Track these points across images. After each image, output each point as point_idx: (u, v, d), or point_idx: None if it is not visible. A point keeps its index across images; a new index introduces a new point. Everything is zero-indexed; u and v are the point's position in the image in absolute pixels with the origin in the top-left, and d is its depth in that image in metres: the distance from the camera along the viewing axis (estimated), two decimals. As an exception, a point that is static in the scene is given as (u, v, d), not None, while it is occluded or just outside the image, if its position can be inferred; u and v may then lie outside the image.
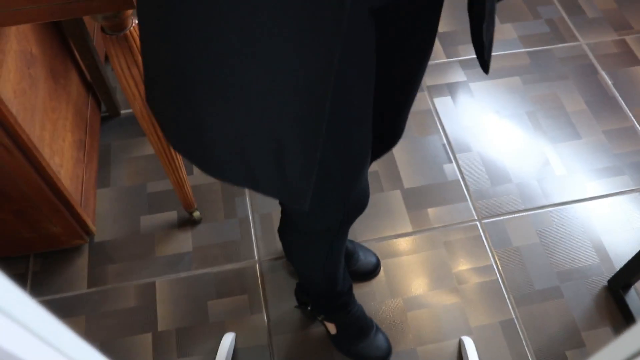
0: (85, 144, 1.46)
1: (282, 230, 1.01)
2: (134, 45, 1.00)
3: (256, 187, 0.65)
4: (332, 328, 1.28)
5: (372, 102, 0.69)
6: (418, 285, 1.39)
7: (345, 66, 0.60)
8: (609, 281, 1.39)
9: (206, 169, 0.67)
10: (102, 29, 0.96)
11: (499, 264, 1.43)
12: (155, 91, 0.64)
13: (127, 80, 1.04)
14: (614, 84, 1.81)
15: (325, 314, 1.25)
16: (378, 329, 1.31)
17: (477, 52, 0.69)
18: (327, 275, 1.07)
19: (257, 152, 0.59)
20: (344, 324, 1.26)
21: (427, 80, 1.79)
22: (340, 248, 0.99)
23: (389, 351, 1.30)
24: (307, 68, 0.49)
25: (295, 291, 1.32)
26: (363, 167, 0.75)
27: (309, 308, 1.28)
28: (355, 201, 0.82)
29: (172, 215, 1.50)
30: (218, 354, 1.25)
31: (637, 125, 1.71)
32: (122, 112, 1.70)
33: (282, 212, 0.97)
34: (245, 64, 0.50)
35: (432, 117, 1.70)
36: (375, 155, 1.02)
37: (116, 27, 0.96)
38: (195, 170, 1.58)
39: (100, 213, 1.50)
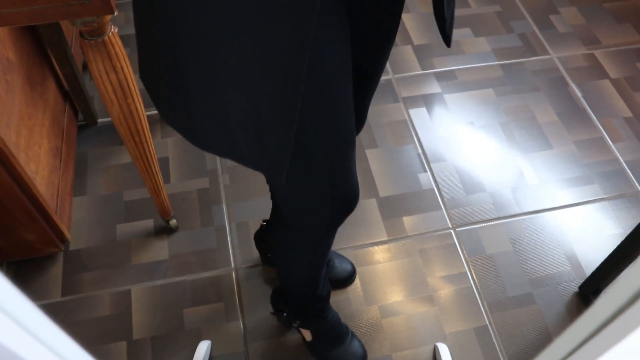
0: (61, 151, 1.46)
1: (270, 228, 1.04)
2: (113, 51, 1.01)
3: (238, 158, 0.68)
4: (307, 335, 1.28)
5: (351, 82, 0.70)
6: (393, 292, 1.41)
7: (321, 44, 0.62)
8: (580, 287, 1.42)
9: (192, 139, 0.70)
10: (81, 34, 0.97)
11: (473, 272, 1.45)
12: (147, 65, 0.67)
13: (105, 86, 1.04)
14: (583, 97, 1.86)
15: (302, 320, 1.24)
16: (353, 335, 1.31)
17: (439, 27, 0.73)
18: (310, 276, 1.08)
19: (239, 123, 0.62)
20: (320, 331, 1.26)
21: (403, 91, 1.82)
22: (326, 248, 1.00)
23: (364, 357, 1.30)
24: (283, 43, 0.52)
25: (271, 298, 1.31)
26: (347, 152, 0.76)
27: (285, 314, 1.26)
28: (343, 196, 0.83)
29: (148, 223, 1.50)
30: (194, 361, 1.24)
31: (606, 136, 1.76)
32: (100, 121, 1.69)
33: (273, 207, 1.01)
34: (227, 38, 0.54)
35: (407, 128, 1.72)
36: None
37: (95, 32, 0.97)
38: (172, 178, 1.58)
39: (76, 221, 1.49)
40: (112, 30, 0.99)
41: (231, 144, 0.66)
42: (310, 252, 0.99)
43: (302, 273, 1.07)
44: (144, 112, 1.13)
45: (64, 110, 1.54)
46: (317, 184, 0.78)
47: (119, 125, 1.13)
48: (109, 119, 1.69)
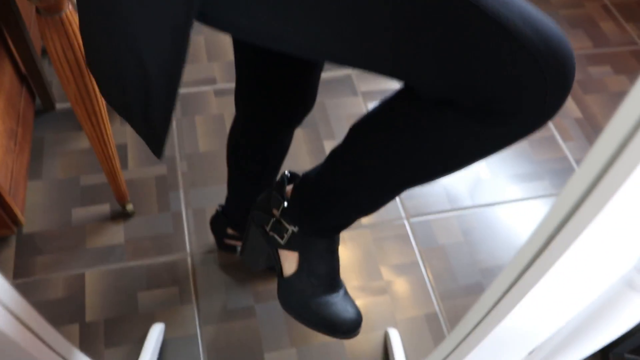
0: (16, 134, 1.45)
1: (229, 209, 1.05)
2: (70, 29, 1.01)
3: (129, 119, 0.71)
4: (291, 263, 0.96)
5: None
6: (347, 279, 1.43)
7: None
8: (527, 277, 1.47)
9: (101, 92, 0.73)
10: (37, 10, 0.97)
11: (425, 261, 1.49)
12: (81, 22, 0.69)
13: (62, 64, 1.05)
14: (536, 96, 1.92)
15: (306, 226, 0.92)
16: (347, 293, 1.01)
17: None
18: (412, 180, 0.77)
19: (130, 85, 0.64)
20: (315, 258, 0.94)
21: (362, 86, 1.85)
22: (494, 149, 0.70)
23: (358, 322, 0.99)
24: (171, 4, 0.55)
25: (260, 200, 1.00)
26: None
27: (285, 205, 0.93)
28: (546, 48, 0.59)
29: (104, 208, 1.49)
30: (146, 343, 1.25)
31: (557, 135, 1.82)
32: (58, 106, 1.68)
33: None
34: None
35: (365, 121, 1.76)
36: (297, 120, 1.05)
37: (51, 9, 0.97)
38: (130, 164, 1.58)
39: (30, 204, 1.48)
40: (69, 8, 0.99)
41: (125, 104, 0.69)
42: (474, 151, 0.68)
43: (417, 171, 0.74)
44: (101, 92, 1.14)
45: (20, 93, 1.53)
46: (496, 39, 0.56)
47: (76, 105, 1.13)
48: (67, 104, 1.68)
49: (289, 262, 0.96)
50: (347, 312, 0.96)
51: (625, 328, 0.42)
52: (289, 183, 0.95)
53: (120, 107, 0.70)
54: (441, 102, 0.63)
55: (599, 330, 0.43)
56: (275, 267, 0.99)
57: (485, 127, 0.62)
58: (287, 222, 0.93)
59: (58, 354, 0.50)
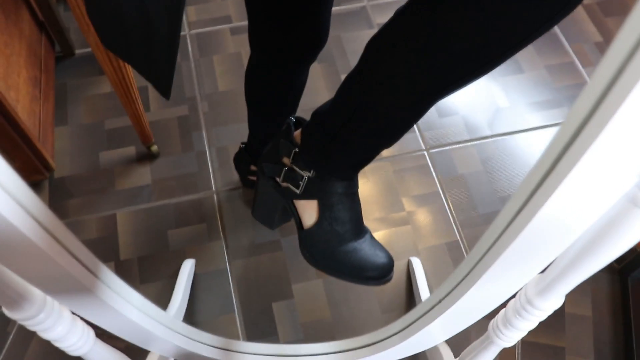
0: (40, 81, 1.47)
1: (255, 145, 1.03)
2: (85, -26, 1.02)
3: (133, 62, 0.72)
4: (310, 213, 0.92)
5: None
6: (370, 211, 1.47)
7: None
8: (546, 203, 1.49)
9: (102, 40, 0.74)
10: (52, -44, 0.98)
11: (445, 191, 1.51)
12: None
13: (81, 9, 1.06)
14: (556, 21, 1.89)
15: (321, 167, 0.87)
16: (373, 237, 0.96)
17: None
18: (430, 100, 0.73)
19: (132, 27, 0.65)
20: (336, 203, 0.89)
21: (377, 17, 1.84)
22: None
23: (391, 259, 0.93)
24: None
25: (268, 150, 0.96)
26: None
27: (296, 150, 0.88)
28: None
29: (130, 150, 1.53)
30: (179, 278, 1.31)
31: (577, 61, 1.80)
32: (77, 51, 1.70)
33: None
34: None
35: (382, 54, 1.75)
36: (311, 55, 1.03)
37: (66, -46, 0.97)
38: (152, 107, 1.61)
39: (59, 150, 1.53)
40: (84, -49, 1.00)
41: (128, 47, 0.70)
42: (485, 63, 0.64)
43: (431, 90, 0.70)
44: (120, 36, 1.15)
45: (40, 41, 1.55)
46: None
47: (97, 49, 1.15)
48: (86, 50, 1.70)
49: (309, 212, 0.92)
50: (377, 257, 0.90)
51: (631, 243, 0.45)
52: (296, 128, 0.91)
53: (123, 51, 0.71)
54: None
55: (605, 247, 0.46)
56: (293, 220, 0.94)
57: None
58: (300, 169, 0.88)
59: (90, 270, 0.54)
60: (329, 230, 0.90)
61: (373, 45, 0.72)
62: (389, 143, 0.81)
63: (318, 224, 0.90)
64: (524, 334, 0.68)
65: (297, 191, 0.89)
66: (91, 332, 0.71)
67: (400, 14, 0.68)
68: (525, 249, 0.47)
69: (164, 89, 0.69)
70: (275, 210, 1.04)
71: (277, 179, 0.93)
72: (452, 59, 0.64)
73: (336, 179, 0.86)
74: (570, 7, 0.60)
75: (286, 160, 0.90)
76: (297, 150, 0.87)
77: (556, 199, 0.39)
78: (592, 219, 0.43)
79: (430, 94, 0.70)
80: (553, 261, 0.53)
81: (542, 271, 0.56)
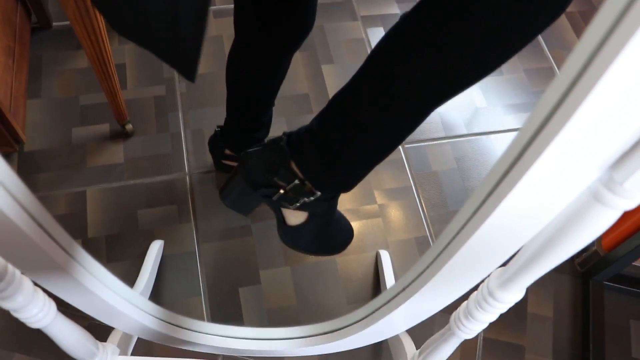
0: (14, 51, 1.45)
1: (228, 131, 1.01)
2: (66, -57, 1.00)
3: (152, 45, 0.68)
4: (297, 217, 0.97)
5: None
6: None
7: None
8: (516, 204, 1.51)
9: (114, 25, 0.69)
10: None
11: (417, 186, 1.53)
12: None
13: (59, -20, 1.04)
14: (537, 26, 1.91)
15: (327, 189, 0.89)
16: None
17: None
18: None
19: (153, 11, 0.62)
20: (326, 211, 0.96)
21: (362, 10, 1.84)
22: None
23: (352, 230, 1.10)
24: None
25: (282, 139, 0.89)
26: None
27: (296, 182, 0.88)
28: None
29: (104, 127, 1.52)
30: (146, 258, 1.30)
31: (555, 67, 1.82)
32: (55, 24, 1.67)
33: None
34: None
35: (363, 47, 1.75)
36: (295, 43, 1.04)
37: None
38: (129, 84, 1.59)
39: (31, 123, 1.50)
40: None
41: (147, 30, 0.66)
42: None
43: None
44: (99, 9, 1.14)
45: (15, 10, 1.52)
46: None
47: (75, 22, 1.13)
48: (64, 22, 1.67)
49: (295, 216, 0.96)
50: (347, 226, 1.07)
51: (592, 237, 0.46)
52: (289, 145, 0.88)
53: (139, 34, 0.68)
54: None
55: (567, 241, 0.47)
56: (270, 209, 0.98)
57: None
58: (299, 195, 0.89)
59: (60, 245, 0.53)
60: (314, 227, 0.97)
61: (381, 53, 0.73)
62: (391, 150, 0.83)
63: (305, 224, 0.96)
64: (484, 325, 0.69)
65: (291, 207, 0.92)
66: (53, 305, 0.70)
67: (406, 19, 0.69)
68: (488, 240, 0.48)
69: (190, 71, 0.65)
70: (254, 206, 1.04)
71: (266, 192, 0.93)
72: (463, 61, 0.66)
73: (338, 194, 0.91)
74: (560, 12, 0.63)
75: (282, 184, 0.90)
76: (297, 182, 0.87)
77: (519, 191, 0.40)
78: (554, 212, 0.44)
79: (439, 98, 0.72)
80: (515, 254, 0.54)
81: (504, 264, 0.57)
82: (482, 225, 0.44)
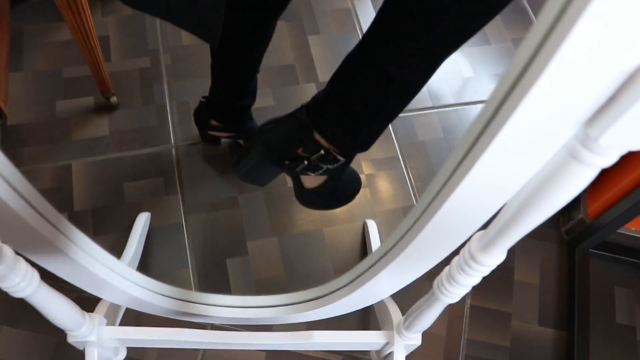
0: (-5, 23, 1.43)
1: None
2: None
3: (171, 17, 0.68)
4: (315, 180, 1.00)
5: None
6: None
7: None
8: (502, 173, 1.52)
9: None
10: None
11: (404, 156, 1.53)
12: None
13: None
14: (525, -6, 1.90)
15: (353, 151, 0.94)
16: None
17: None
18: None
19: None
20: (343, 172, 1.00)
21: (348, -21, 1.82)
22: None
23: (359, 177, 1.14)
24: None
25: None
26: None
27: (322, 152, 0.90)
28: None
29: (88, 100, 1.50)
30: (133, 230, 1.30)
31: (542, 35, 1.81)
32: (36, -5, 1.65)
33: None
34: None
35: (350, 17, 1.74)
36: (279, 6, 1.03)
37: None
38: (113, 57, 1.57)
39: (13, 96, 1.48)
40: None
41: (164, 1, 0.67)
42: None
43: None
44: (79, -22, 1.12)
45: (-4, -19, 1.49)
46: None
47: (54, -9, 1.11)
48: (46, -7, 1.65)
49: (314, 180, 0.99)
50: (357, 181, 1.10)
51: (569, 197, 0.46)
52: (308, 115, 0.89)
53: (152, 3, 0.67)
54: None
55: (545, 201, 0.47)
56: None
57: None
58: (324, 163, 0.91)
59: (46, 218, 0.53)
60: (331, 188, 1.01)
61: (391, 3, 0.73)
62: (411, 99, 0.85)
63: (322, 186, 1.00)
64: (467, 289, 0.70)
65: (313, 174, 0.95)
66: (35, 274, 0.70)
67: None
68: (466, 201, 0.48)
69: (212, 35, 0.64)
70: (272, 177, 1.07)
71: (288, 164, 0.95)
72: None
73: (357, 153, 0.94)
74: None
75: (306, 155, 0.92)
76: (323, 152, 0.89)
77: (495, 150, 0.40)
78: (532, 170, 0.44)
79: (444, 51, 0.77)
80: (496, 216, 0.54)
81: (485, 227, 0.58)
82: (460, 185, 0.44)
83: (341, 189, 1.06)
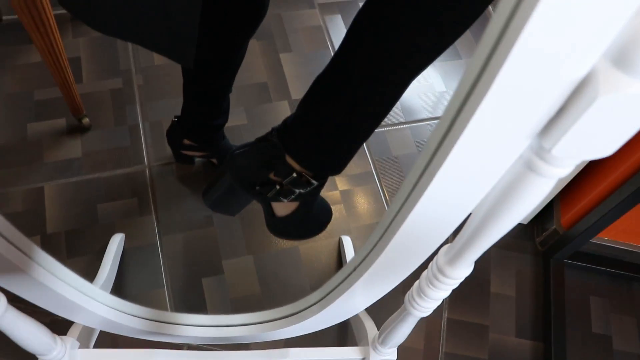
0: (-36, 46, 1.41)
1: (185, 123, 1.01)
2: None
3: (140, 40, 0.68)
4: (286, 208, 0.99)
5: None
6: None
7: None
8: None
9: (94, 24, 0.68)
10: None
11: (378, 171, 1.54)
12: None
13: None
14: (495, 11, 1.94)
15: (327, 174, 0.92)
16: None
17: None
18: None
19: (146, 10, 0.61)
20: (315, 198, 0.99)
21: (319, -2, 1.84)
22: None
23: (330, 207, 1.16)
24: None
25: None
26: None
27: (294, 175, 0.88)
28: None
29: (60, 122, 1.49)
30: (106, 252, 1.28)
31: (512, 49, 1.85)
32: (4, 17, 1.64)
33: None
34: None
35: (322, 34, 1.75)
36: (251, 26, 1.03)
37: None
38: (85, 78, 1.57)
39: (-16, 119, 1.47)
40: None
41: (133, 23, 0.66)
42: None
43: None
44: None
45: (-35, 4, 1.48)
46: None
47: (21, 14, 1.11)
48: (13, 16, 1.64)
49: (286, 207, 0.98)
50: (327, 210, 1.12)
51: (530, 208, 0.46)
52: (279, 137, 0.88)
53: (124, 29, 0.66)
54: None
55: (506, 213, 0.48)
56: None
57: None
58: (296, 187, 0.90)
59: (19, 249, 0.53)
60: (303, 216, 0.99)
61: (362, 21, 0.73)
62: (382, 120, 0.84)
63: (294, 213, 0.98)
64: (438, 302, 0.70)
65: (285, 200, 0.93)
66: (2, 298, 0.69)
67: None
68: (428, 214, 0.49)
69: (186, 57, 0.64)
70: (243, 205, 1.06)
71: (258, 189, 0.94)
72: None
73: (331, 175, 0.92)
74: None
75: (277, 179, 0.91)
76: (295, 175, 0.88)
77: (452, 163, 0.41)
78: (490, 182, 0.45)
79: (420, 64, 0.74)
80: (460, 230, 0.55)
81: (450, 242, 0.58)
82: (420, 199, 0.45)
83: (313, 217, 1.04)
